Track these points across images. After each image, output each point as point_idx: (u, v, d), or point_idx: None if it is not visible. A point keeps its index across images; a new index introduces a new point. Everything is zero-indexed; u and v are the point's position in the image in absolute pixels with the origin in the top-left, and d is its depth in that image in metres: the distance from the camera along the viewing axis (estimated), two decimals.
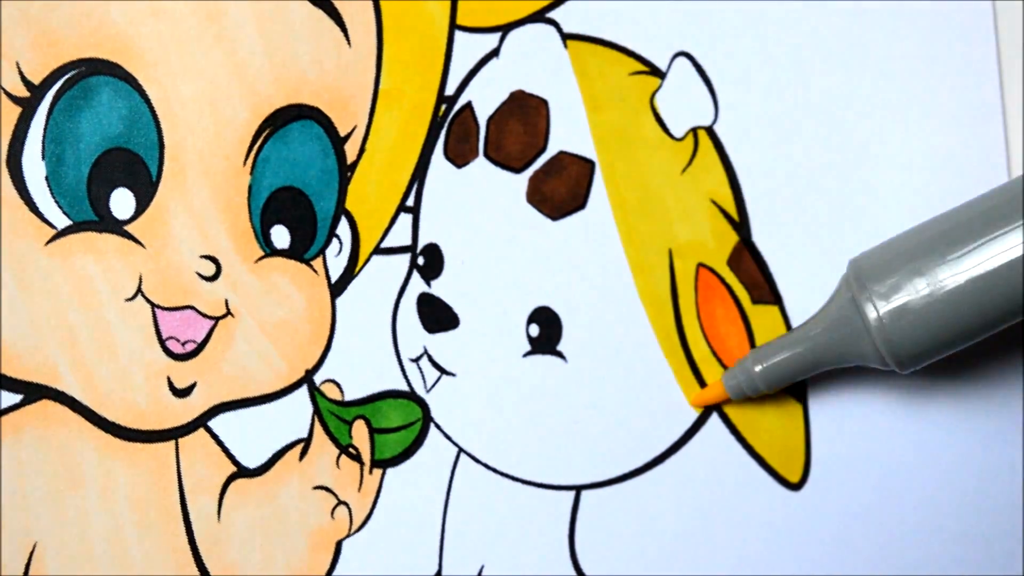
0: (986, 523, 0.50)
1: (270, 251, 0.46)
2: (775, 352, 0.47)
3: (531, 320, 0.48)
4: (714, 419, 0.49)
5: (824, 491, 0.49)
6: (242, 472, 0.46)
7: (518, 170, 0.48)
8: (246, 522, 0.46)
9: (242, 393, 0.46)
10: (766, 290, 0.49)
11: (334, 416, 0.47)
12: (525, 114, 0.48)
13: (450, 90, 0.48)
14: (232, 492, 0.46)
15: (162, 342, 0.45)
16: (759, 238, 0.49)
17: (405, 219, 0.48)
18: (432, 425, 0.48)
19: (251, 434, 0.46)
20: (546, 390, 0.48)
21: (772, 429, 0.49)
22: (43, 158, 0.44)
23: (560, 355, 0.48)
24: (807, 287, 0.49)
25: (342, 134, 0.47)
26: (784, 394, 0.49)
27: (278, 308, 0.46)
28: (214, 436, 0.46)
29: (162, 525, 0.46)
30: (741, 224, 0.49)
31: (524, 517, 0.48)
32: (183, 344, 0.46)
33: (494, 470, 0.48)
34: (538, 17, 0.48)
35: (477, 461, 0.48)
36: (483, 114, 0.48)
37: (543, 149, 0.48)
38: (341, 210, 0.47)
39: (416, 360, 0.48)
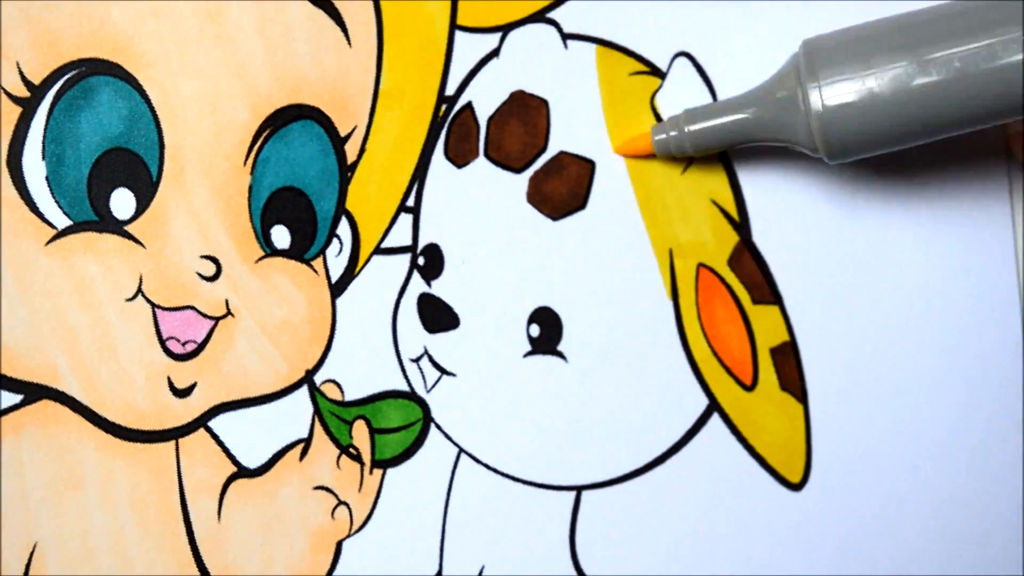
0: (986, 523, 0.50)
1: (270, 251, 0.46)
2: (711, 116, 0.46)
3: (531, 320, 0.48)
4: (715, 419, 0.49)
5: (824, 491, 0.49)
6: (242, 472, 0.46)
7: (518, 170, 0.48)
8: (246, 522, 0.46)
9: (242, 393, 0.46)
10: (766, 290, 0.49)
11: (334, 416, 0.47)
12: (525, 114, 0.48)
13: (450, 90, 0.48)
14: (232, 492, 0.46)
15: (162, 342, 0.45)
16: (759, 238, 0.49)
17: (405, 219, 0.48)
18: (432, 425, 0.48)
19: (251, 434, 0.46)
20: (546, 390, 0.48)
21: (772, 429, 0.49)
22: (43, 158, 0.44)
23: (560, 355, 0.48)
24: (807, 287, 0.49)
25: (342, 134, 0.47)
26: (784, 394, 0.49)
27: (278, 308, 0.46)
28: (214, 436, 0.46)
29: (162, 525, 0.46)
30: (741, 224, 0.49)
31: (525, 517, 0.48)
32: (183, 344, 0.46)
33: (494, 470, 0.48)
34: (538, 17, 0.48)
35: (477, 461, 0.48)
36: (483, 114, 0.48)
37: (543, 149, 0.48)
38: (341, 210, 0.47)
39: (416, 360, 0.48)
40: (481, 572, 0.48)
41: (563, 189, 0.48)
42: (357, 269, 0.47)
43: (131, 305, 0.45)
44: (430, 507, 0.48)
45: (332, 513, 0.47)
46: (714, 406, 0.49)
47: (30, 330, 0.44)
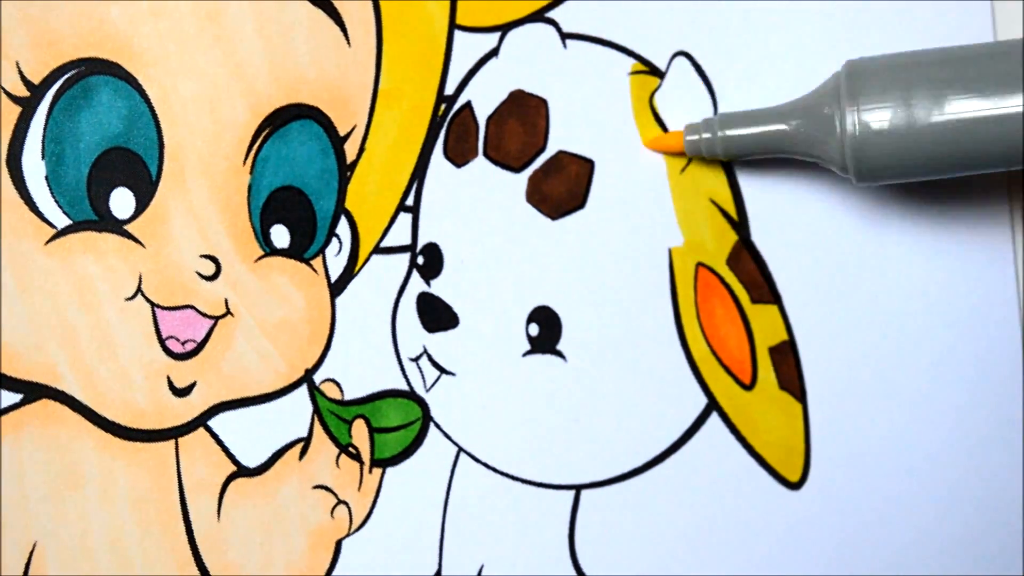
0: (986, 523, 0.50)
1: (270, 251, 0.46)
2: (747, 123, 0.47)
3: (531, 319, 0.48)
4: (713, 419, 0.49)
5: (823, 490, 0.49)
6: (242, 471, 0.46)
7: (517, 169, 0.48)
8: (246, 521, 0.46)
9: (242, 392, 0.46)
10: (765, 290, 0.49)
11: (334, 415, 0.47)
12: (524, 114, 0.48)
13: (450, 90, 0.48)
14: (232, 491, 0.46)
15: (162, 342, 0.45)
16: (758, 237, 0.49)
17: (405, 219, 0.48)
18: (432, 424, 0.48)
19: (251, 433, 0.46)
20: (546, 390, 0.48)
21: (771, 428, 0.49)
22: (43, 158, 0.45)
23: (560, 354, 0.48)
24: (806, 286, 0.49)
25: (342, 134, 0.47)
26: (784, 394, 0.49)
27: (278, 308, 0.46)
28: (214, 435, 0.46)
29: (162, 525, 0.46)
30: (740, 224, 0.49)
31: (524, 517, 0.48)
32: (183, 343, 0.46)
33: (494, 469, 0.48)
34: (537, 17, 0.48)
35: (477, 460, 0.48)
36: (482, 114, 0.48)
37: (542, 148, 0.48)
38: (341, 209, 0.47)
39: (416, 359, 0.48)
40: (480, 571, 0.48)
41: (562, 188, 0.48)
42: (356, 268, 0.47)
43: (131, 304, 0.45)
44: (429, 506, 0.48)
45: (331, 512, 0.47)
46: (713, 405, 0.49)
47: (30, 329, 0.44)
